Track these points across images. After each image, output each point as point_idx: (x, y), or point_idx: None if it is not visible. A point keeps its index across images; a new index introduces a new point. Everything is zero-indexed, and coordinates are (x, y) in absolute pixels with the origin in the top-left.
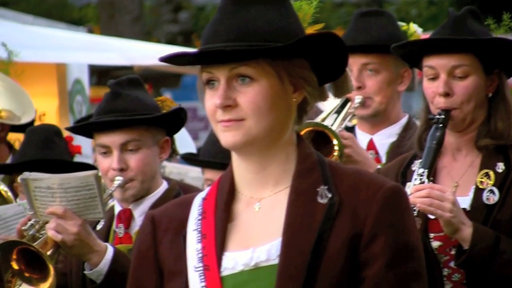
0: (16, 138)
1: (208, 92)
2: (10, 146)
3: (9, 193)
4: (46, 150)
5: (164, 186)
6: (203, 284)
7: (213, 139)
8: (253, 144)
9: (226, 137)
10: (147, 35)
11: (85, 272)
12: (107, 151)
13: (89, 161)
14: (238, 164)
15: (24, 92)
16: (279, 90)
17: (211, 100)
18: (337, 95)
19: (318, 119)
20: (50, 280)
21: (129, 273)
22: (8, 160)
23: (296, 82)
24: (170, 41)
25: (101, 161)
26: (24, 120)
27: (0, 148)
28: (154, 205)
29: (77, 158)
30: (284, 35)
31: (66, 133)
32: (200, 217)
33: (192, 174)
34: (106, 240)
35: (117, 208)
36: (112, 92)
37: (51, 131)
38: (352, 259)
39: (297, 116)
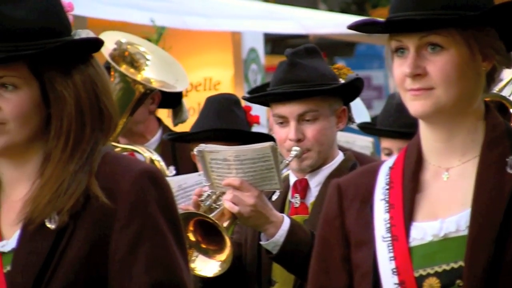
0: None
1: (396, 60)
2: (159, 120)
3: (162, 163)
4: (225, 120)
5: (340, 156)
6: (391, 254)
7: (389, 108)
8: (442, 113)
9: (415, 106)
10: (320, 4)
11: (261, 242)
12: (284, 121)
13: (265, 130)
14: (426, 133)
15: (176, 62)
16: (468, 59)
17: (400, 68)
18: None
19: (495, 89)
20: (226, 251)
21: (316, 241)
22: (158, 134)
23: (486, 51)
24: (344, 10)
25: (277, 131)
26: (179, 88)
27: (150, 121)
28: (331, 176)
29: (255, 128)
30: (473, 5)
31: (243, 103)
32: (387, 187)
33: (360, 143)
34: (281, 210)
35: (293, 179)
36: (289, 61)
37: (230, 101)
38: None
39: (485, 85)
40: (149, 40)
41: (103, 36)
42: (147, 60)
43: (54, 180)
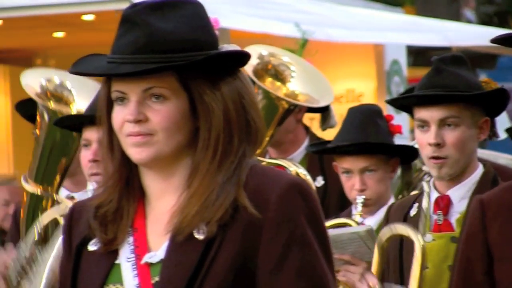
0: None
1: None
2: (306, 128)
3: (308, 176)
4: (368, 132)
5: (480, 169)
6: None
7: None
8: None
9: None
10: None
11: None
12: (425, 125)
13: (406, 141)
14: None
15: (321, 75)
16: None
17: None
18: None
19: None
20: None
21: (459, 257)
22: (305, 142)
23: None
24: (485, 22)
25: (418, 136)
26: (323, 103)
27: (297, 129)
28: (474, 190)
29: (397, 138)
30: None
31: (385, 112)
32: None
33: (502, 161)
34: (417, 226)
35: (434, 195)
36: (435, 68)
37: (373, 112)
38: None
39: None
40: (291, 52)
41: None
42: (292, 71)
43: (202, 191)
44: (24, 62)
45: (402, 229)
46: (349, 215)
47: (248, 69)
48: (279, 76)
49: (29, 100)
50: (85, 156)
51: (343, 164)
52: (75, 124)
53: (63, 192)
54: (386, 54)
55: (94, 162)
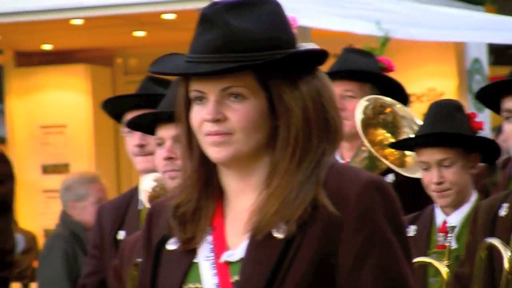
0: None
1: None
2: None
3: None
4: (445, 124)
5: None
6: None
7: None
8: None
9: None
10: None
11: None
12: (510, 116)
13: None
14: None
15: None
16: None
17: None
18: None
19: None
20: None
21: None
22: None
23: None
24: None
25: (509, 129)
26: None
27: None
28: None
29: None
30: None
31: (467, 110)
32: None
33: None
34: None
35: None
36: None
37: (451, 106)
38: None
39: None
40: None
41: None
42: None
43: (281, 190)
44: (104, 61)
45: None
46: (431, 214)
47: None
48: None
49: (116, 98)
50: (160, 154)
51: (421, 158)
52: (149, 122)
53: None
54: (467, 52)
55: (169, 159)
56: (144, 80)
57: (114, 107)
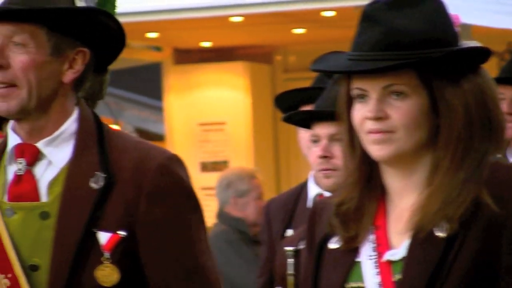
0: None
1: None
2: None
3: None
4: None
5: None
6: None
7: None
8: None
9: None
10: None
11: None
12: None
13: None
14: None
15: None
16: None
17: None
18: None
19: None
20: None
21: None
22: None
23: None
24: None
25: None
26: None
27: None
28: None
29: None
30: None
31: None
32: None
33: None
34: None
35: None
36: None
37: None
38: None
39: None
40: None
41: None
42: None
43: (443, 189)
44: (264, 58)
45: None
46: None
47: None
48: None
49: (289, 92)
50: (315, 151)
51: None
52: (304, 119)
53: None
54: None
55: (324, 158)
56: (318, 74)
57: (287, 101)
